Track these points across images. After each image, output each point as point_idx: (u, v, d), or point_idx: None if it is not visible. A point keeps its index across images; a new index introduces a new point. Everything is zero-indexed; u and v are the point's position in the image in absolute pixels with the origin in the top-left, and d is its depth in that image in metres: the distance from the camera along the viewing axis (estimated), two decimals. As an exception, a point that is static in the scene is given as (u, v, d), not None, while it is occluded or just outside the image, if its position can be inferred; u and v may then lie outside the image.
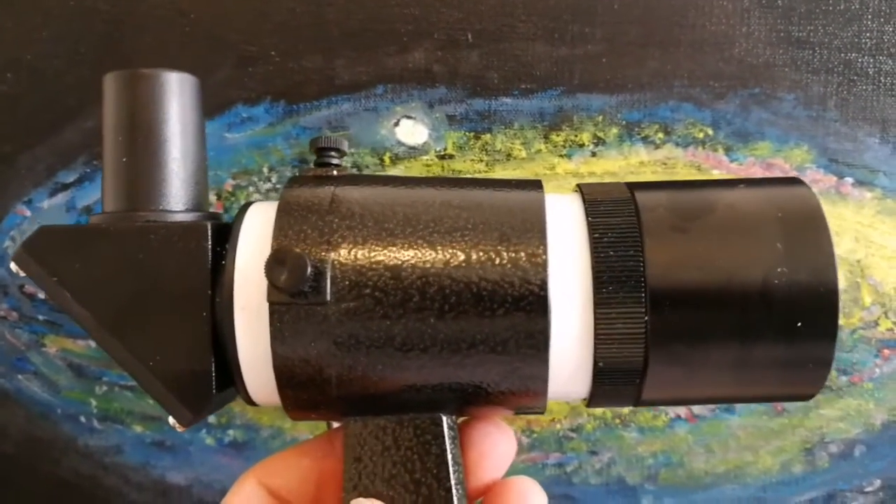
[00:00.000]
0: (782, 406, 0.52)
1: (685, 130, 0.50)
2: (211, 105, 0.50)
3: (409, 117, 0.50)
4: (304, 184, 0.37)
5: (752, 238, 0.34)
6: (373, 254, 0.34)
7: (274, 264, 0.33)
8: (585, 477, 0.54)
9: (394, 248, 0.34)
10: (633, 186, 0.36)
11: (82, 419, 0.55)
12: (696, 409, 0.52)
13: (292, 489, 0.39)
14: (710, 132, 0.50)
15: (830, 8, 0.48)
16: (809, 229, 0.34)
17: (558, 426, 0.53)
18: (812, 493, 0.53)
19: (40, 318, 0.53)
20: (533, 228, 0.34)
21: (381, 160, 0.50)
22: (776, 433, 0.53)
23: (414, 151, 0.50)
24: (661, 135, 0.50)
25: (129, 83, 0.37)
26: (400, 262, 0.34)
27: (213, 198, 0.51)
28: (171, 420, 0.36)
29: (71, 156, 0.51)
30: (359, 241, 0.34)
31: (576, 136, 0.50)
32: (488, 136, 0.50)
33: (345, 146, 0.39)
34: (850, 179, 0.50)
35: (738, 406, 0.52)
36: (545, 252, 0.34)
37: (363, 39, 0.49)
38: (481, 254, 0.34)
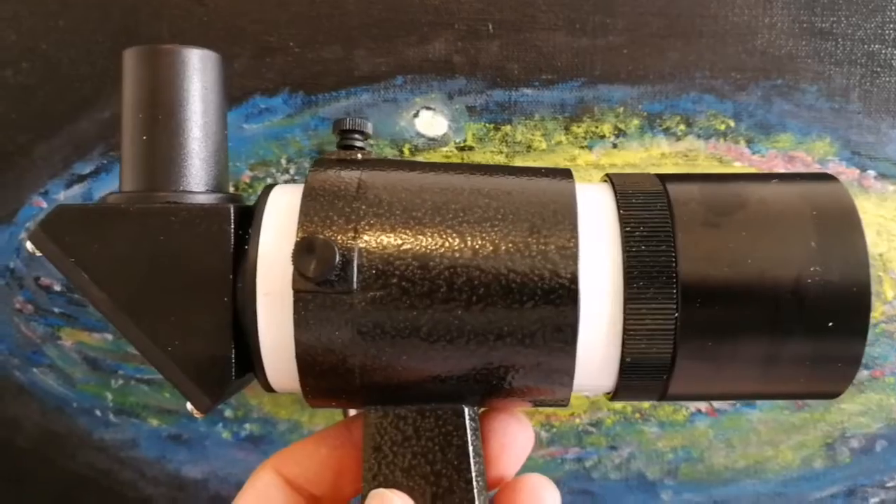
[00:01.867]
0: (803, 401, 0.52)
1: (707, 122, 0.49)
2: (229, 96, 0.50)
3: (428, 108, 0.50)
4: (329, 167, 0.36)
5: (785, 235, 0.33)
6: (400, 242, 0.33)
7: (302, 252, 0.32)
8: (605, 472, 0.53)
9: (422, 237, 0.33)
10: (665, 178, 0.36)
11: (98, 413, 0.54)
12: (717, 403, 0.52)
13: (310, 478, 0.39)
14: (732, 124, 0.49)
15: (853, -1, 0.48)
16: (844, 228, 0.34)
17: (578, 421, 0.53)
18: (833, 488, 0.53)
19: (56, 310, 0.53)
20: (564, 220, 0.34)
21: (401, 151, 0.50)
22: (797, 428, 0.52)
23: (433, 143, 0.50)
24: (682, 126, 0.49)
25: (150, 59, 0.37)
26: (428, 252, 0.33)
27: (230, 188, 0.51)
28: (188, 406, 0.36)
29: (87, 147, 0.51)
30: (386, 228, 0.34)
31: (597, 127, 0.49)
32: (508, 127, 0.50)
33: (369, 128, 0.39)
34: (872, 172, 0.49)
35: (760, 401, 0.52)
36: (576, 245, 0.33)
37: (383, 30, 0.49)
38: (511, 245, 0.33)
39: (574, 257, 0.33)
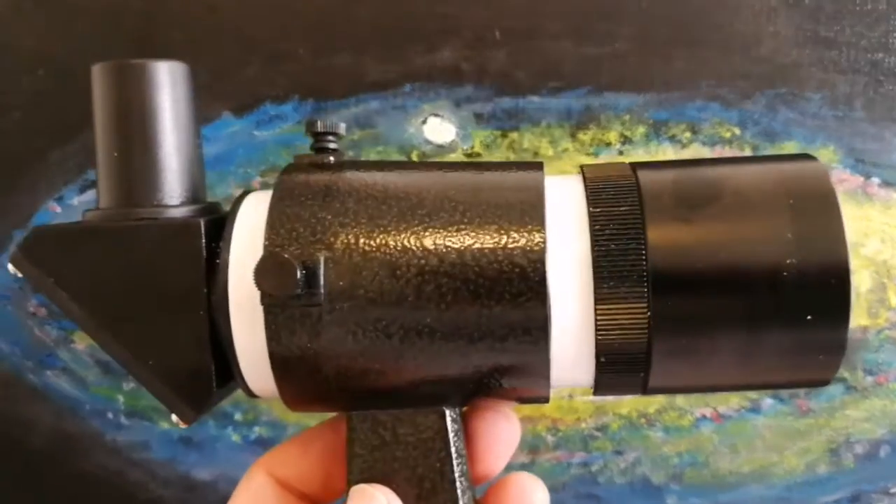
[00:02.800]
0: (808, 406, 0.52)
1: (712, 130, 0.50)
2: (239, 103, 0.51)
3: (436, 115, 0.50)
4: (299, 173, 0.36)
5: (760, 228, 0.32)
6: (367, 252, 0.33)
7: (262, 271, 0.32)
8: (610, 476, 0.54)
9: (388, 246, 0.33)
10: (638, 168, 0.35)
11: (110, 415, 0.55)
12: (722, 409, 0.52)
13: (302, 478, 0.39)
14: (737, 132, 0.50)
15: (858, 8, 0.48)
16: (822, 216, 0.32)
17: (583, 425, 0.53)
18: (837, 493, 0.53)
19: (69, 314, 0.54)
20: (532, 221, 0.33)
21: (409, 158, 0.50)
22: (801, 433, 0.53)
23: (441, 149, 0.51)
24: (687, 134, 0.50)
25: (117, 75, 0.36)
26: (395, 260, 0.33)
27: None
28: (173, 417, 0.36)
29: (101, 153, 0.51)
30: (352, 239, 0.33)
31: (603, 134, 0.50)
32: (515, 134, 0.50)
33: (342, 129, 0.38)
34: (876, 180, 0.50)
35: (764, 406, 0.52)
36: (544, 246, 0.33)
37: (391, 38, 0.49)
38: (477, 249, 0.33)
39: (542, 259, 0.33)
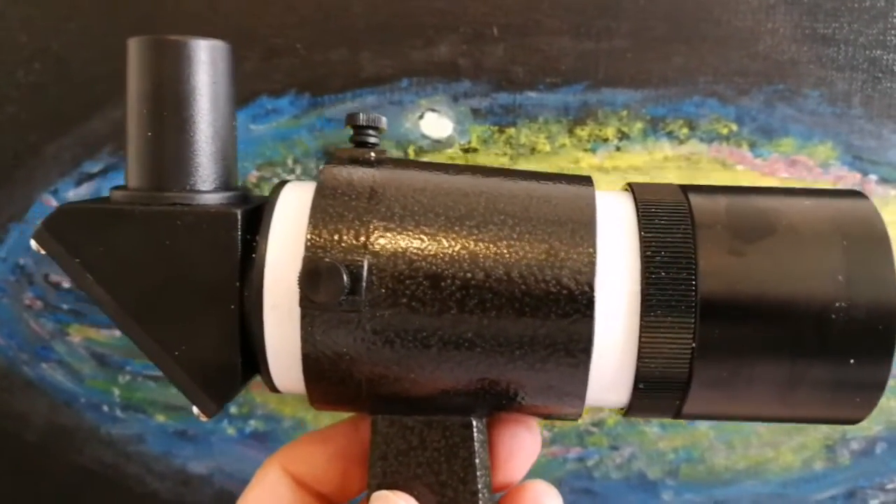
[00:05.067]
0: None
1: (709, 126, 0.50)
2: (237, 97, 0.50)
3: (433, 110, 0.50)
4: (341, 167, 0.35)
5: (813, 268, 0.32)
6: (411, 259, 0.32)
7: (309, 278, 0.32)
8: (606, 472, 0.54)
9: (433, 255, 0.33)
10: (689, 192, 0.35)
11: (105, 408, 0.55)
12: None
13: (318, 476, 0.39)
14: (735, 128, 0.50)
15: (856, 5, 0.48)
16: (875, 262, 0.32)
17: (579, 421, 0.53)
18: (833, 490, 0.53)
19: (64, 307, 0.53)
20: (583, 242, 0.33)
21: (406, 153, 0.50)
22: (797, 429, 0.53)
23: (438, 145, 0.50)
24: (685, 130, 0.50)
25: (155, 51, 0.35)
26: (439, 271, 0.32)
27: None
28: (194, 409, 0.35)
29: (97, 146, 0.51)
30: (397, 244, 0.33)
31: (600, 130, 0.50)
32: (513, 129, 0.50)
33: (383, 123, 0.37)
34: (874, 177, 0.50)
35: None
36: (593, 270, 0.32)
37: (388, 33, 0.49)
38: (525, 266, 0.32)
39: (591, 283, 0.32)
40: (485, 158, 0.50)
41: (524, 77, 0.49)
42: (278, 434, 0.54)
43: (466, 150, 0.50)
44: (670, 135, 0.50)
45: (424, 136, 0.50)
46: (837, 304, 0.31)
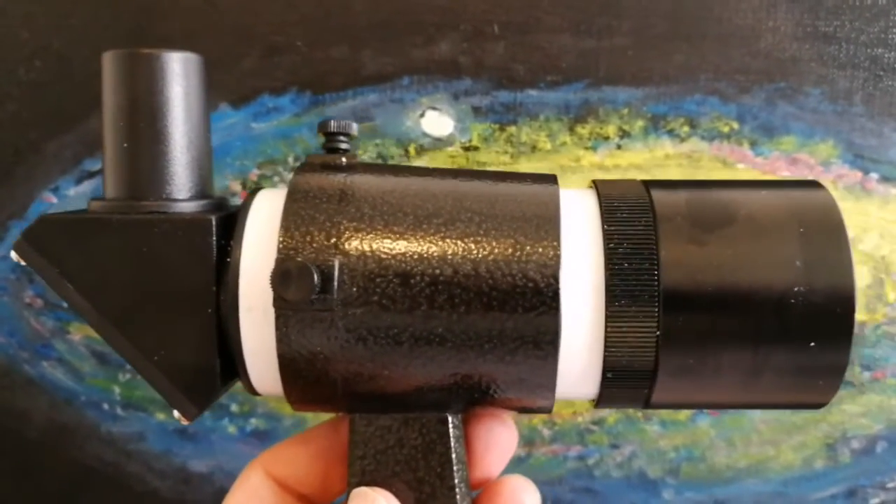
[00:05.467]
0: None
1: (710, 124, 0.50)
2: (237, 95, 0.50)
3: (434, 109, 0.50)
4: (312, 174, 0.36)
5: (771, 255, 0.33)
6: (381, 259, 0.33)
7: (280, 277, 0.32)
8: (607, 470, 0.54)
9: (403, 254, 0.33)
10: (651, 187, 0.36)
11: (105, 406, 0.55)
12: (718, 403, 0.52)
13: (299, 478, 0.39)
14: (736, 126, 0.50)
15: (857, 3, 0.48)
16: (831, 247, 0.33)
17: (580, 419, 0.53)
18: (833, 488, 0.53)
19: (65, 305, 0.53)
20: (547, 236, 0.34)
21: (406, 151, 0.50)
22: (798, 428, 0.53)
23: (439, 143, 0.50)
24: (686, 128, 0.50)
25: (130, 64, 0.36)
26: (409, 269, 0.33)
27: (237, 187, 0.51)
28: (175, 413, 0.36)
29: (98, 144, 0.51)
30: (367, 245, 0.33)
31: (601, 128, 0.50)
32: (513, 128, 0.50)
33: (354, 130, 0.38)
34: (875, 175, 0.50)
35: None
36: (558, 263, 0.33)
37: (389, 30, 0.49)
38: (492, 261, 0.33)
39: (555, 275, 0.33)
40: (486, 156, 0.50)
41: (525, 75, 0.49)
42: (279, 433, 0.54)
43: (467, 149, 0.50)
44: (671, 133, 0.50)
45: (425, 135, 0.50)
46: (796, 289, 0.32)
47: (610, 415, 0.53)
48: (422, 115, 0.50)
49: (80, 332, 0.54)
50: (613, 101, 0.50)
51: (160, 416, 0.55)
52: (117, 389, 0.54)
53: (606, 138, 0.50)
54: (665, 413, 0.53)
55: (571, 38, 0.49)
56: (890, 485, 0.53)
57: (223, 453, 0.55)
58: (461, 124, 0.50)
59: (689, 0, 0.48)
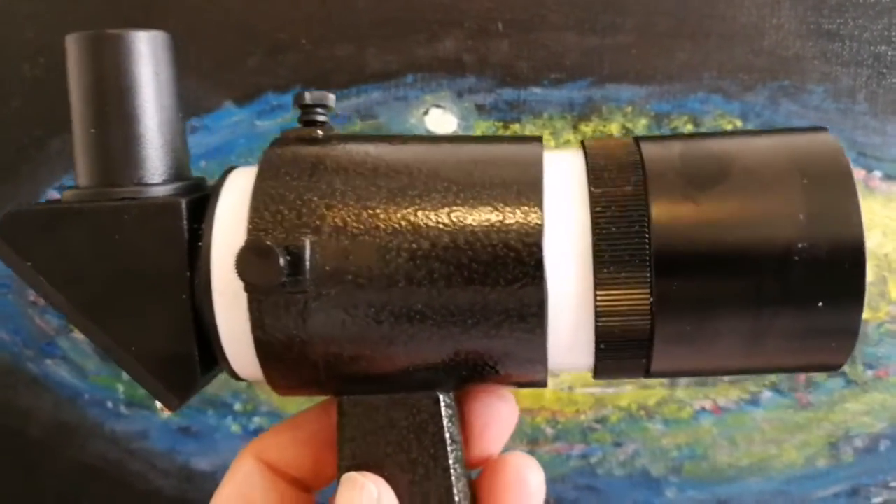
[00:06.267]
0: (807, 399, 0.52)
1: (714, 122, 0.50)
2: (242, 92, 0.50)
3: (438, 106, 0.50)
4: (285, 147, 0.34)
5: (771, 209, 0.30)
6: (355, 236, 0.32)
7: (244, 260, 0.31)
8: (610, 468, 0.54)
9: (377, 229, 0.32)
10: (642, 142, 0.33)
11: (109, 404, 0.55)
12: (722, 401, 0.52)
13: (292, 462, 0.38)
14: (739, 124, 0.50)
15: (861, 1, 0.48)
16: (837, 198, 0.30)
17: (583, 417, 0.53)
18: (836, 487, 0.53)
19: (68, 303, 0.53)
20: (528, 201, 0.31)
21: (410, 149, 0.50)
22: (801, 427, 0.53)
23: (443, 140, 0.50)
24: (689, 126, 0.50)
25: (94, 46, 0.34)
26: (384, 244, 0.31)
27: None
28: (157, 404, 0.35)
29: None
30: (339, 222, 0.32)
31: (605, 126, 0.50)
32: (517, 125, 0.50)
33: (331, 101, 0.36)
34: (878, 173, 0.50)
35: (764, 399, 0.52)
36: (541, 229, 0.31)
37: (393, 28, 0.49)
38: (471, 231, 0.31)
39: (538, 243, 0.31)
40: (489, 154, 0.50)
41: (529, 73, 0.50)
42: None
43: (471, 146, 0.50)
44: (675, 131, 0.50)
45: (429, 132, 0.50)
46: (800, 245, 0.30)
47: (613, 413, 0.53)
48: (426, 113, 0.50)
49: (83, 330, 0.54)
50: (617, 98, 0.50)
51: (164, 415, 0.55)
52: (121, 387, 0.54)
53: (610, 136, 0.50)
54: (668, 411, 0.53)
55: (575, 36, 0.49)
56: (893, 483, 0.53)
57: (226, 452, 0.55)
58: (465, 122, 0.50)
59: (693, -2, 0.49)
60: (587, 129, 0.50)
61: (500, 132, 0.50)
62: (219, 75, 0.50)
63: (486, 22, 0.49)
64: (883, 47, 0.49)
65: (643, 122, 0.50)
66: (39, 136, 0.51)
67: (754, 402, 0.52)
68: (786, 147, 0.32)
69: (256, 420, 0.54)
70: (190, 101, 0.50)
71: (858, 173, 0.49)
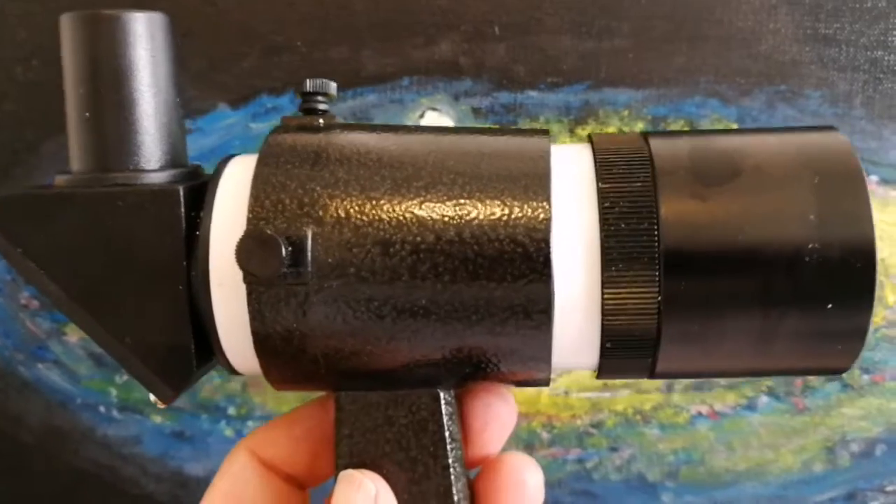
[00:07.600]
0: (804, 404, 0.52)
1: (710, 126, 0.50)
2: (237, 95, 0.50)
3: (434, 109, 0.50)
4: (286, 135, 0.34)
5: (782, 209, 0.30)
6: (359, 227, 0.31)
7: (245, 249, 0.30)
8: (606, 473, 0.54)
9: (381, 221, 0.31)
10: (650, 138, 0.33)
11: (101, 409, 0.54)
12: (718, 406, 0.52)
13: (286, 459, 0.37)
14: (736, 128, 0.49)
15: (857, 5, 0.48)
16: (848, 198, 0.30)
17: (579, 422, 0.53)
18: (833, 491, 0.53)
19: (61, 306, 0.53)
20: (536, 196, 0.31)
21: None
22: (797, 431, 0.52)
23: (439, 144, 0.50)
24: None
25: (89, 26, 0.33)
26: (388, 237, 0.31)
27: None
28: (151, 397, 0.34)
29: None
30: (343, 213, 0.31)
31: (601, 130, 0.50)
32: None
33: (332, 89, 0.35)
34: (874, 178, 0.50)
35: (760, 403, 0.52)
36: (549, 225, 0.31)
37: (390, 31, 0.49)
38: (477, 225, 0.31)
39: (546, 239, 0.30)
40: (486, 158, 0.50)
41: (525, 76, 0.49)
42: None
43: (467, 150, 0.50)
44: (672, 135, 0.50)
45: (425, 135, 0.50)
46: (810, 246, 0.29)
47: (609, 418, 0.53)
48: (421, 116, 0.50)
49: (76, 334, 0.53)
50: (614, 102, 0.49)
51: (157, 419, 0.54)
52: (113, 392, 0.54)
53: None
54: (664, 416, 0.52)
55: (572, 40, 0.49)
56: (889, 488, 0.53)
57: (220, 456, 0.54)
58: (461, 125, 0.50)
59: (690, 2, 0.48)
60: (583, 132, 0.50)
61: (497, 136, 0.50)
62: (213, 77, 0.50)
63: (482, 25, 0.49)
64: (879, 52, 0.49)
65: (640, 126, 0.50)
66: (32, 139, 0.51)
67: (751, 406, 0.52)
68: (796, 145, 0.32)
69: (251, 424, 0.54)
70: (183, 104, 0.50)
71: (855, 178, 0.49)
